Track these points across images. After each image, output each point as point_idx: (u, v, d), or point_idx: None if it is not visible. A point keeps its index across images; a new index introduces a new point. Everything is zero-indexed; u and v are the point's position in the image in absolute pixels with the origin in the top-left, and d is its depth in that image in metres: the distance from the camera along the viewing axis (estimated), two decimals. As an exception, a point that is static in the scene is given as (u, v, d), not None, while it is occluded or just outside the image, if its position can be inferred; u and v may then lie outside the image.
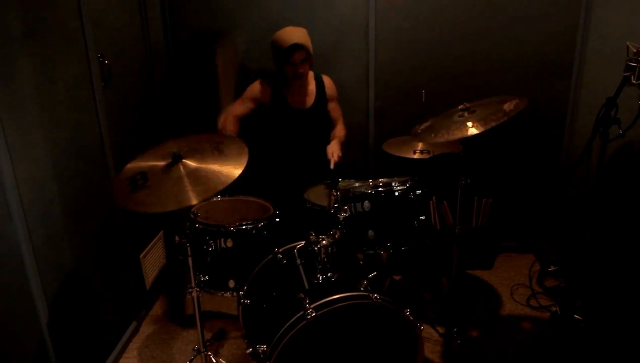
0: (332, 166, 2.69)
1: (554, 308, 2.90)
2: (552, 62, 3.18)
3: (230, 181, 1.76)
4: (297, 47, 2.64)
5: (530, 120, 3.25)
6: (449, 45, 3.19)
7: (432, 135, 2.23)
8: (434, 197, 3.31)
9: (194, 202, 1.71)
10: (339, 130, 3.00)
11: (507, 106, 2.23)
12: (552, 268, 3.25)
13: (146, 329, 2.85)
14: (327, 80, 2.98)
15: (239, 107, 2.86)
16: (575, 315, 2.69)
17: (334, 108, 3.02)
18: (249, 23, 3.20)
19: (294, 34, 2.67)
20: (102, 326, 2.50)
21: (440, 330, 2.73)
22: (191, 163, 1.90)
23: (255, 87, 2.85)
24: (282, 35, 2.69)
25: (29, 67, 1.94)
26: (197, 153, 1.94)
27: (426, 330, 2.75)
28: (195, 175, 1.82)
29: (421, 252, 3.24)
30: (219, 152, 1.96)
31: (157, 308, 3.04)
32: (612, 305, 2.66)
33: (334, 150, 2.78)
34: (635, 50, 1.90)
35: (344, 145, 2.90)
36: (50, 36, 2.08)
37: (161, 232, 3.15)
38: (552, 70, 3.20)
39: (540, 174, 3.42)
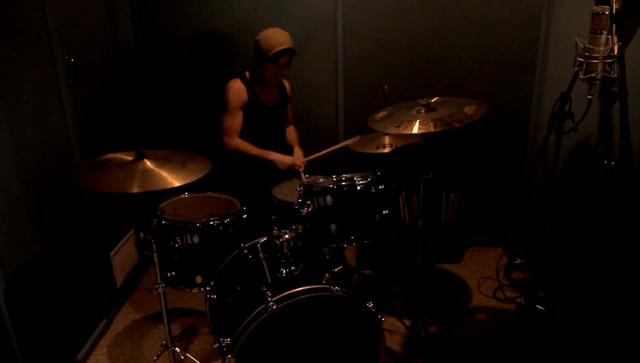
0: (303, 178, 2.80)
1: (518, 300, 2.97)
2: (516, 58, 3.25)
3: (165, 186, 1.94)
4: (290, 51, 2.76)
5: (496, 116, 3.30)
6: (415, 42, 3.24)
7: (395, 125, 2.28)
8: (403, 193, 3.37)
9: (135, 190, 1.90)
10: (293, 131, 3.19)
11: (468, 109, 2.29)
12: (518, 261, 3.32)
13: (117, 326, 2.86)
14: (286, 83, 3.08)
15: (236, 122, 2.88)
16: (538, 306, 2.76)
17: (289, 109, 3.17)
18: (218, 23, 3.23)
19: (285, 38, 2.77)
20: (71, 323, 2.51)
21: (407, 322, 2.79)
22: (150, 164, 2.04)
23: (237, 93, 2.86)
24: (272, 36, 2.77)
25: (-10, 66, 1.95)
26: (163, 160, 2.08)
27: (393, 322, 2.80)
28: (147, 174, 1.99)
29: (389, 246, 3.29)
30: (182, 164, 2.09)
31: (129, 306, 3.06)
32: (574, 295, 2.74)
33: (300, 163, 2.89)
34: (582, 46, 1.96)
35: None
36: (12, 34, 2.09)
37: (132, 230, 3.17)
38: (516, 67, 3.27)
39: (507, 169, 3.50)
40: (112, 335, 2.79)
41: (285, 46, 2.73)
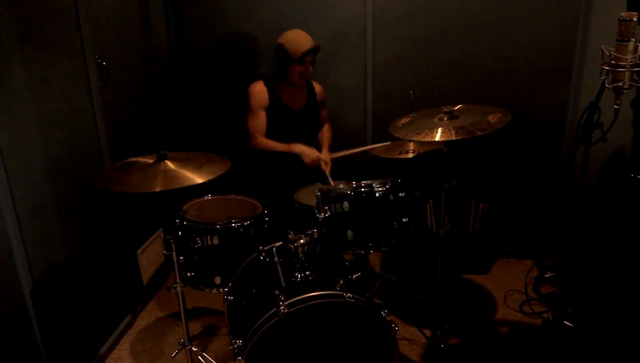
0: (330, 180, 2.76)
1: (546, 315, 2.88)
2: (552, 65, 3.16)
3: (187, 184, 1.99)
4: (316, 50, 2.79)
5: (530, 123, 3.24)
6: (446, 49, 3.20)
7: (416, 132, 2.25)
8: (430, 201, 3.33)
9: (157, 189, 1.95)
10: (326, 131, 3.14)
11: (492, 118, 2.24)
12: (548, 275, 3.21)
13: (141, 323, 2.94)
14: (317, 85, 3.07)
15: (259, 123, 2.91)
16: (566, 322, 2.66)
17: (322, 110, 3.15)
18: (248, 26, 3.28)
19: (307, 38, 2.80)
20: (96, 318, 2.59)
21: (427, 332, 2.74)
22: (171, 165, 2.10)
23: (258, 95, 2.90)
24: (296, 37, 2.80)
25: (24, 69, 2.04)
26: (183, 161, 2.14)
27: (413, 332, 2.76)
28: (169, 174, 2.04)
29: (413, 254, 3.24)
30: (199, 167, 2.13)
31: (154, 303, 3.13)
32: (602, 312, 2.63)
33: (326, 161, 2.85)
34: (608, 54, 1.88)
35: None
36: (46, 39, 2.18)
37: (160, 229, 3.24)
38: (551, 74, 3.18)
39: (540, 178, 3.39)
40: (135, 331, 2.87)
41: (311, 45, 2.76)
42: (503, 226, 3.43)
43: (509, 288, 3.17)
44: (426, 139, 2.19)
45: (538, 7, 3.06)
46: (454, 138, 2.15)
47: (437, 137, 2.18)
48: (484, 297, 3.13)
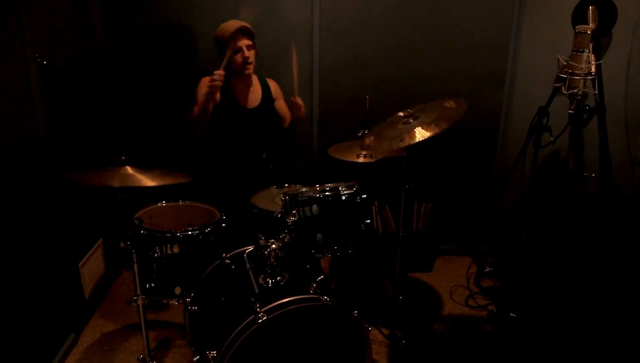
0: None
1: (490, 307, 3.05)
2: (487, 73, 3.35)
3: (139, 185, 2.12)
4: (243, 29, 2.66)
5: (466, 128, 3.39)
6: (390, 53, 3.29)
7: (389, 142, 2.27)
8: (375, 202, 3.40)
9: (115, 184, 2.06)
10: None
11: (449, 105, 2.31)
12: (487, 270, 3.40)
13: (85, 340, 2.74)
14: (272, 82, 3.01)
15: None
16: (511, 313, 2.84)
17: (281, 105, 3.05)
18: (195, 25, 3.18)
19: (237, 21, 2.69)
20: (37, 339, 2.37)
21: (385, 331, 2.80)
22: (130, 170, 2.16)
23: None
24: (224, 24, 2.70)
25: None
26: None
27: (371, 331, 2.80)
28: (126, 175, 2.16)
29: (364, 256, 3.30)
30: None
31: (97, 318, 2.93)
32: (545, 303, 2.82)
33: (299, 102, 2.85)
34: (565, 63, 2.04)
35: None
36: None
37: (100, 240, 3.05)
38: (486, 81, 3.37)
39: (476, 180, 3.59)
40: (80, 349, 2.67)
41: (236, 26, 2.65)
42: (443, 225, 3.58)
43: (453, 284, 3.32)
44: (411, 142, 2.20)
45: (475, 19, 3.24)
46: (436, 132, 2.18)
47: (419, 137, 2.20)
48: (431, 293, 3.25)
